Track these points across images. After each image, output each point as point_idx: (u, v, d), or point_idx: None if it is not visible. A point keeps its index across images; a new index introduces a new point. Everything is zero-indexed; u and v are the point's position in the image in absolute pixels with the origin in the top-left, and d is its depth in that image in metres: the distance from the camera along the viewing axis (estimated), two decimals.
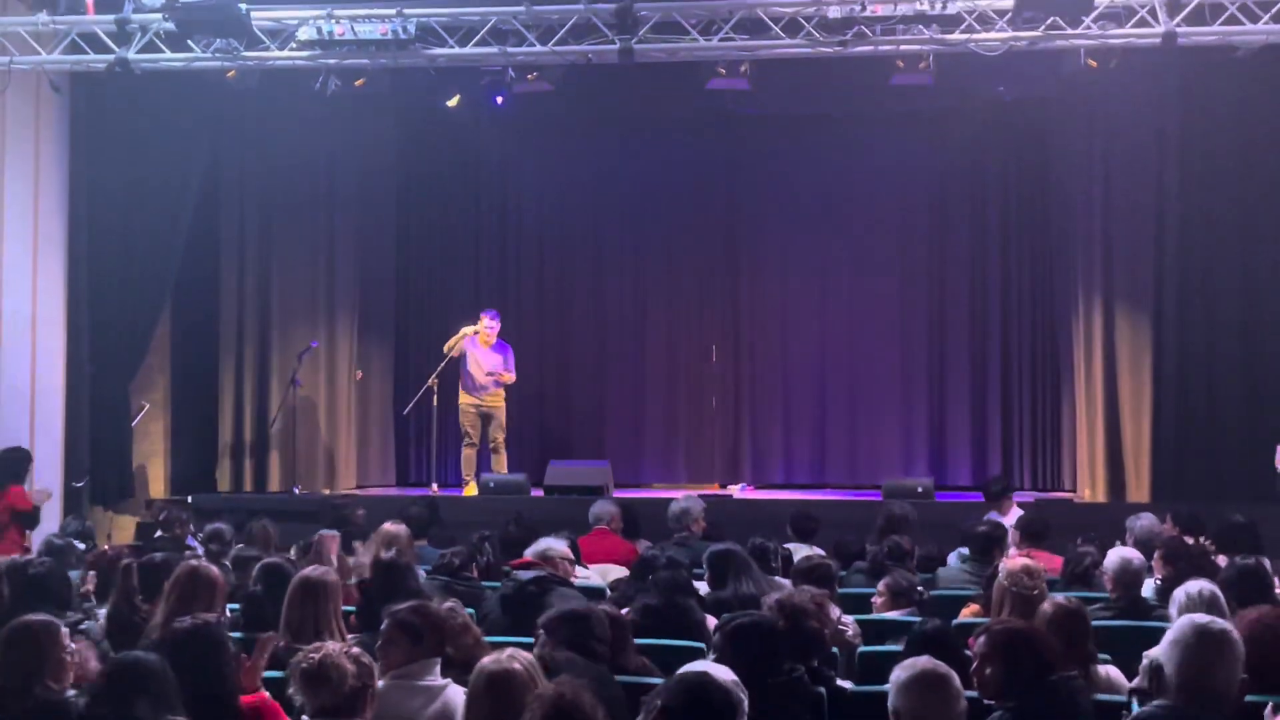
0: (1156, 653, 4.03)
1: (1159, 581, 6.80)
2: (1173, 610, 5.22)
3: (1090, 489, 12.37)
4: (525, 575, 6.41)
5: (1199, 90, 11.81)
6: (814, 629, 4.86)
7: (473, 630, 5.21)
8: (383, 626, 4.73)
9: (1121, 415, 12.23)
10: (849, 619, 6.02)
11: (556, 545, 6.85)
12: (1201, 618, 4.00)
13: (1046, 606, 5.00)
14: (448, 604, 5.22)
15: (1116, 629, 5.80)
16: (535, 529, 8.01)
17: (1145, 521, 8.21)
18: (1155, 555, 6.97)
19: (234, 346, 13.34)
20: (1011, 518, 9.34)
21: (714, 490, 13.35)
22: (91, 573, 6.95)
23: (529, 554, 6.81)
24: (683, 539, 8.26)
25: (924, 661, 3.96)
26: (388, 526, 7.67)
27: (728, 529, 8.78)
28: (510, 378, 12.77)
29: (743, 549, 6.78)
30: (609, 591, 6.85)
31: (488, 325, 12.66)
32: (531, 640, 4.96)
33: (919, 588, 6.65)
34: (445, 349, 12.70)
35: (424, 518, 8.85)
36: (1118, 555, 6.42)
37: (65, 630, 4.65)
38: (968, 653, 4.62)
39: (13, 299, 11.25)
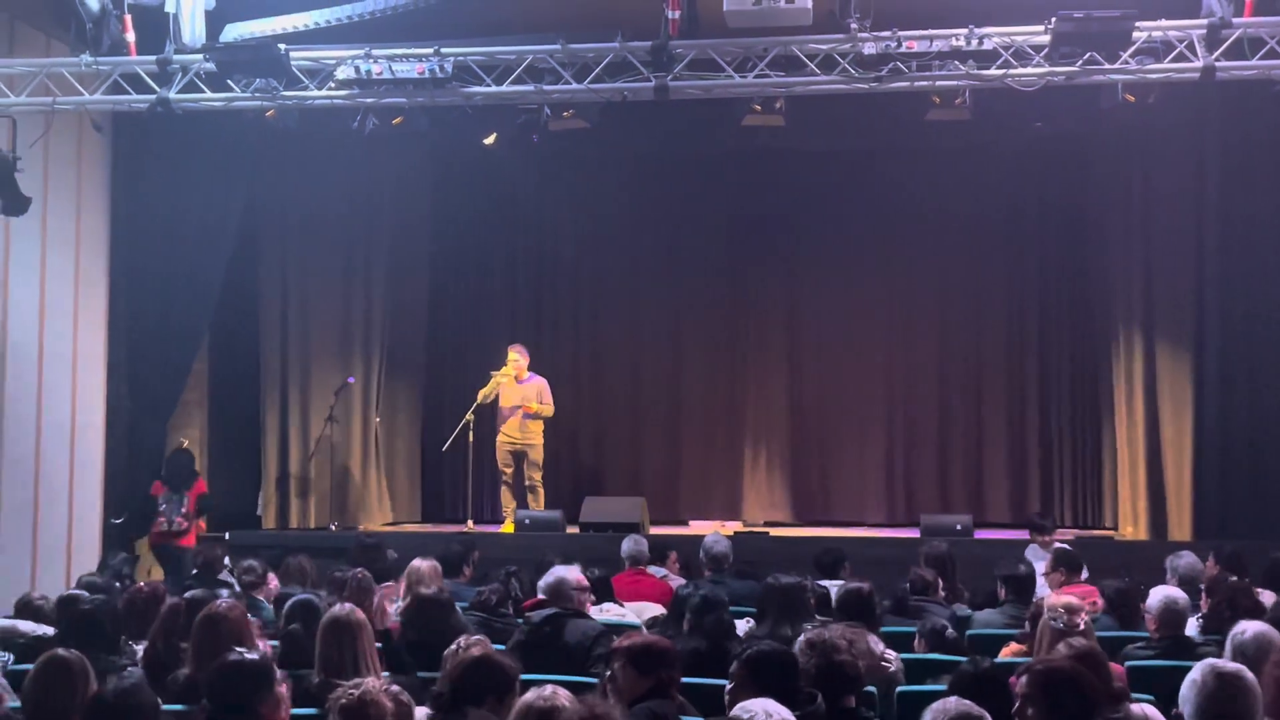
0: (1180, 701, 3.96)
1: (1200, 620, 6.72)
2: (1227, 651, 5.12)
3: (1132, 527, 12.24)
4: (538, 616, 6.37)
5: (1238, 124, 11.73)
6: (846, 663, 4.77)
7: None
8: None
9: (1163, 451, 12.11)
10: (892, 654, 5.94)
11: (569, 576, 6.71)
12: (1219, 661, 3.94)
13: (1062, 648, 4.87)
14: (476, 637, 5.22)
15: (1159, 669, 5.71)
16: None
17: (1186, 560, 8.11)
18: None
19: (275, 383, 13.38)
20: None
21: (753, 528, 13.30)
22: None
23: (540, 589, 6.76)
24: (718, 578, 8.20)
25: (954, 703, 3.89)
26: (416, 563, 7.67)
27: (764, 566, 8.71)
28: (544, 410, 12.73)
29: (793, 586, 6.69)
30: (645, 630, 6.81)
31: (514, 359, 12.69)
32: (549, 679, 4.90)
33: (950, 630, 6.56)
34: (480, 397, 12.73)
35: (460, 555, 8.84)
36: (1163, 594, 6.33)
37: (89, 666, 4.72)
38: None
39: (54, 336, 11.36)
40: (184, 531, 11.55)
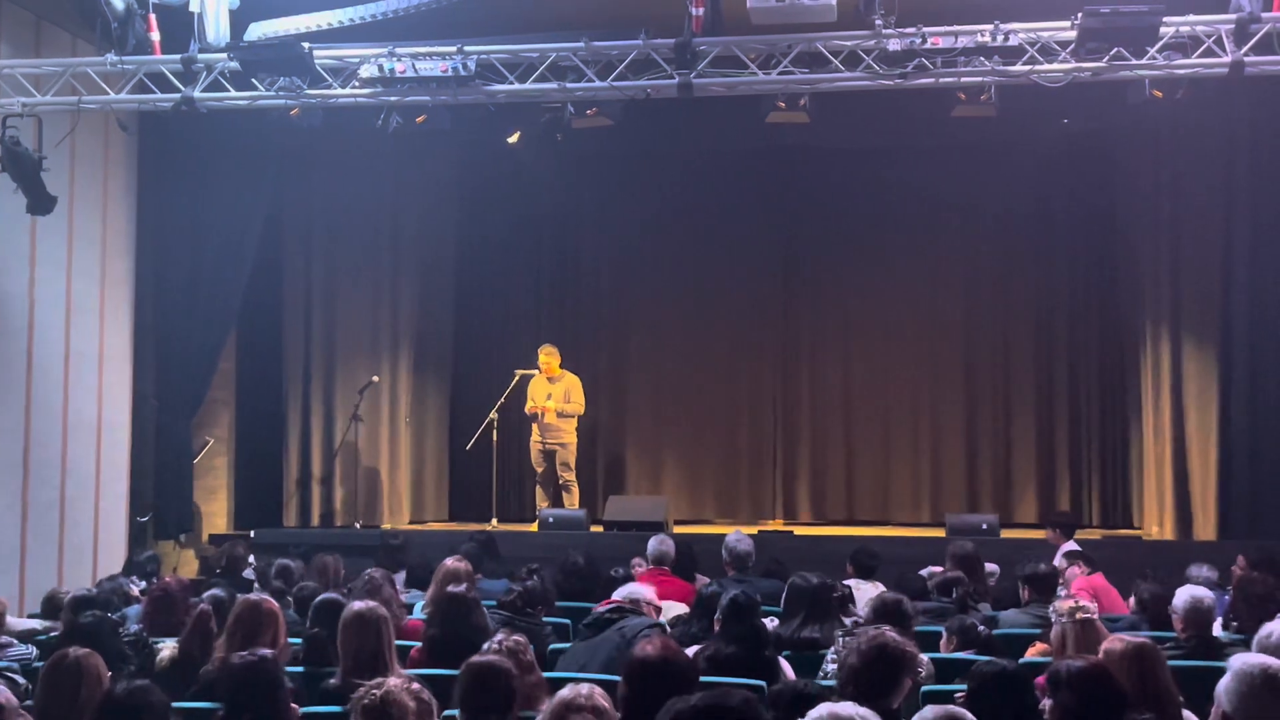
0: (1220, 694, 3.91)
1: (1228, 620, 6.67)
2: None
3: (1158, 526, 12.15)
4: (604, 608, 6.36)
5: (1267, 120, 11.64)
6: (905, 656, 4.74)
7: (536, 671, 5.18)
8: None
9: (1188, 450, 12.02)
10: (924, 657, 5.89)
11: (642, 591, 6.72)
12: (1266, 659, 3.89)
13: (1115, 644, 4.76)
14: (516, 636, 5.20)
15: (1186, 669, 5.65)
16: (596, 564, 7.99)
17: (1205, 574, 8.02)
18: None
19: (298, 382, 13.41)
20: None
21: (777, 526, 13.27)
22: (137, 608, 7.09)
23: (617, 597, 6.74)
24: (742, 576, 8.16)
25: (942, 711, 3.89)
26: (449, 563, 7.67)
27: (789, 565, 8.67)
28: (568, 407, 12.73)
29: (821, 587, 6.65)
30: (669, 629, 6.78)
31: (546, 356, 12.72)
32: (598, 677, 4.87)
33: (980, 627, 6.53)
34: (528, 410, 12.82)
35: (478, 552, 8.83)
36: (1188, 593, 6.26)
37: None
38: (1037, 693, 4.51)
39: (80, 335, 11.41)
40: None
